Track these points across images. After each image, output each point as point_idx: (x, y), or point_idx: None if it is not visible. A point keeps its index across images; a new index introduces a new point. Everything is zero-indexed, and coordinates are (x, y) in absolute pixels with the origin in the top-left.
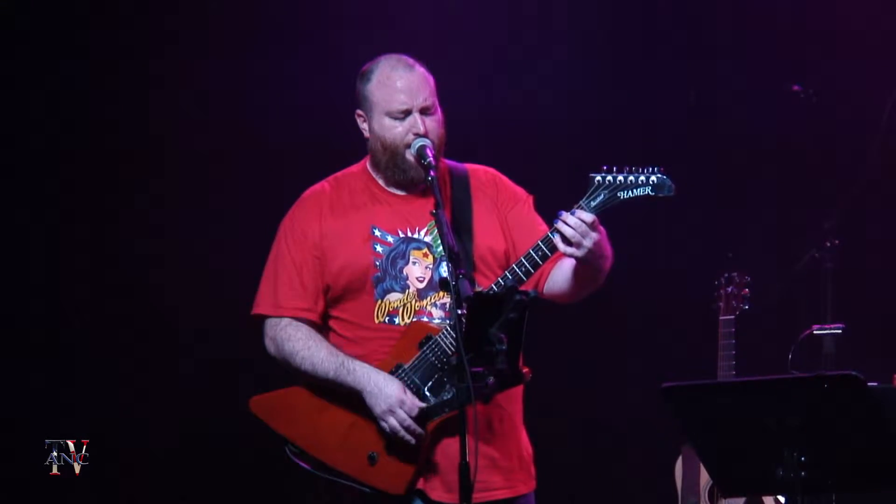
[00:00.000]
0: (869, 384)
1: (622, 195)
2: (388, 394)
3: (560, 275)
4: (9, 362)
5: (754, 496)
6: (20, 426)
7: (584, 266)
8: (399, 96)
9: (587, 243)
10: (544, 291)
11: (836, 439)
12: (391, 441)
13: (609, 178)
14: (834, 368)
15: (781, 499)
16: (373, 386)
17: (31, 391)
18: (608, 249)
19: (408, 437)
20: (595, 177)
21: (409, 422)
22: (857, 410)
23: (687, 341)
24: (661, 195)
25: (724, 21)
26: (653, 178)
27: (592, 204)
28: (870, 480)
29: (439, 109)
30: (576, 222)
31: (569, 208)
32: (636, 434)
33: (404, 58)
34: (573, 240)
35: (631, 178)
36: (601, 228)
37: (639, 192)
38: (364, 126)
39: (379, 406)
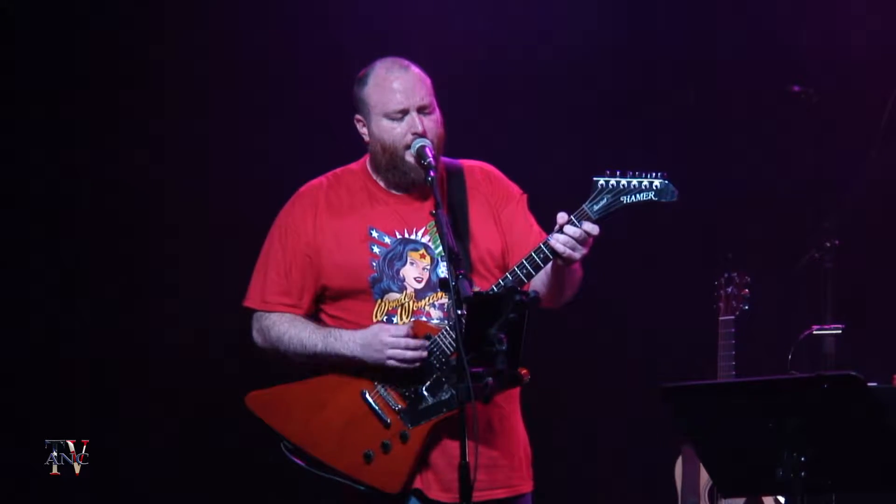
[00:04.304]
0: (869, 384)
1: (625, 200)
2: (373, 336)
3: (538, 281)
4: (9, 362)
5: (754, 496)
6: (20, 426)
7: (564, 268)
8: (396, 96)
9: (585, 249)
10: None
11: (836, 439)
12: (386, 440)
13: (612, 182)
14: (834, 368)
15: (781, 499)
16: (359, 343)
17: (31, 391)
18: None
19: (416, 356)
20: (598, 180)
21: (404, 343)
22: (857, 410)
23: (687, 341)
24: (663, 200)
25: (724, 21)
26: (656, 183)
27: (595, 208)
28: (870, 480)
29: (438, 109)
30: (580, 234)
31: (565, 208)
32: (636, 434)
33: (399, 59)
34: (575, 250)
35: (634, 182)
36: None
37: (642, 196)
38: (363, 130)
39: (374, 354)
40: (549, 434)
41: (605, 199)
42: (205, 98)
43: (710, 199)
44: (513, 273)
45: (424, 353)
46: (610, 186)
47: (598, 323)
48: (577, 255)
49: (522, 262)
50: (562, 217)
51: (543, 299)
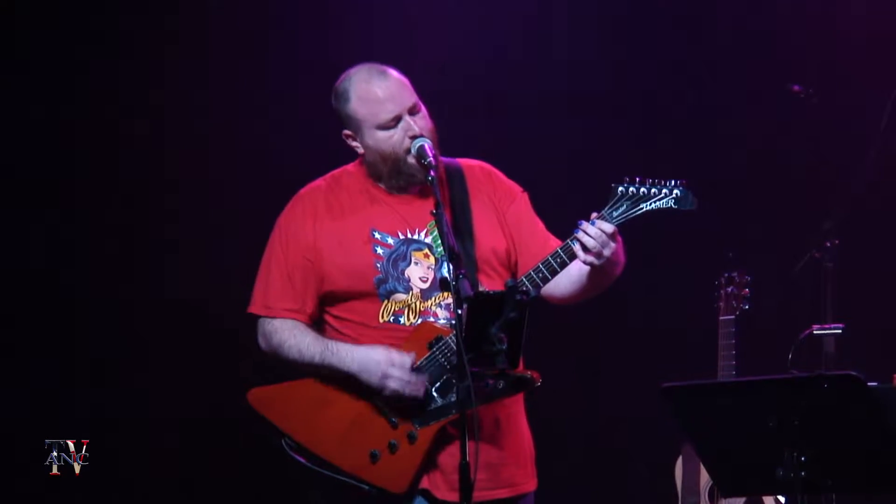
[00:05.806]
0: (869, 384)
1: (644, 206)
2: (376, 361)
3: (565, 278)
4: (9, 361)
5: (754, 496)
6: (20, 426)
7: (597, 273)
8: (386, 106)
9: (606, 253)
10: (543, 293)
11: (836, 439)
12: (393, 440)
13: (632, 188)
14: (834, 368)
15: (781, 499)
16: (358, 362)
17: (31, 391)
18: (622, 257)
19: (413, 392)
20: (618, 187)
21: (407, 377)
22: (857, 410)
23: (687, 341)
24: (683, 209)
25: (725, 21)
26: (676, 191)
27: (614, 214)
28: (870, 480)
29: (422, 105)
30: (596, 232)
31: (586, 215)
32: (636, 434)
33: (374, 65)
34: (593, 249)
35: (654, 190)
36: (619, 237)
37: (661, 204)
38: (355, 144)
39: (372, 377)
40: (551, 434)
41: (625, 206)
42: (205, 98)
43: (710, 198)
44: (529, 278)
45: (420, 393)
46: (630, 193)
47: (598, 322)
48: (598, 262)
49: (539, 267)
50: (581, 225)
51: (569, 296)
